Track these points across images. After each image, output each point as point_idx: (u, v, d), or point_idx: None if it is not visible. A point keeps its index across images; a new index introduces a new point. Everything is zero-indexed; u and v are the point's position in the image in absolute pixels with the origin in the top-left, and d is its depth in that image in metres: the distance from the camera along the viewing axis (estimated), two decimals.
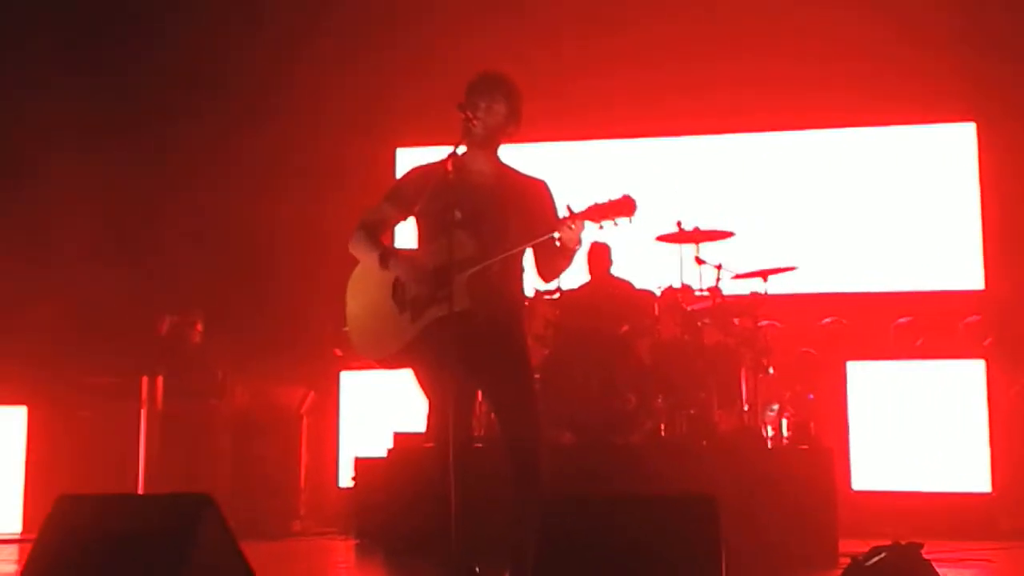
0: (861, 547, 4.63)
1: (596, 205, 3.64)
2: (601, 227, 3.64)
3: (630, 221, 3.62)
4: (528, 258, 4.01)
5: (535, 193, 3.95)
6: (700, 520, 2.79)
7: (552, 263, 3.96)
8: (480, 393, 4.28)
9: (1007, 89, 8.57)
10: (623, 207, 3.61)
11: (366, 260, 3.96)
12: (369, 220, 4.02)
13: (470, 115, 3.75)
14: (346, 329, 4.08)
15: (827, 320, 8.00)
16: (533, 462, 3.86)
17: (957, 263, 8.86)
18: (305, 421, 7.44)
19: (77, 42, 9.11)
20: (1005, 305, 8.12)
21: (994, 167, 8.85)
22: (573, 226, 3.65)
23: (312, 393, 7.60)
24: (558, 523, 2.96)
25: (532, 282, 4.14)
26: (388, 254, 3.88)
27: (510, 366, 3.93)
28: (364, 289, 3.99)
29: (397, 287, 3.88)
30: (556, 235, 3.73)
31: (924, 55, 8.57)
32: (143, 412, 6.98)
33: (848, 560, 3.99)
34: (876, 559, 3.18)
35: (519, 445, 3.88)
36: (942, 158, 9.03)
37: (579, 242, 3.78)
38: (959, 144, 9.03)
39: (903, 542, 3.20)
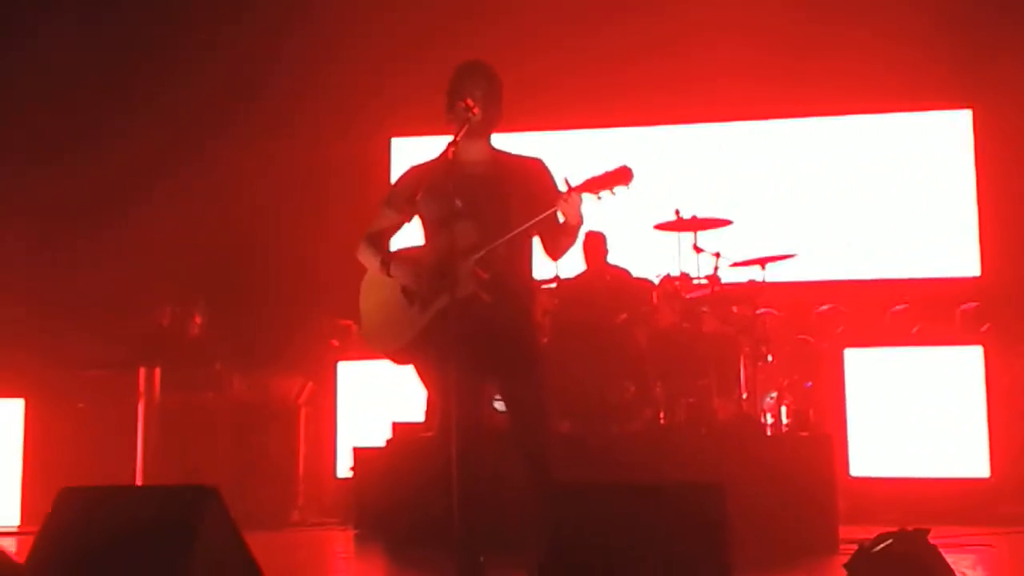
0: (860, 533, 4.64)
1: (593, 177, 3.64)
2: (599, 198, 3.63)
3: (627, 189, 3.61)
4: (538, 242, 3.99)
5: (532, 172, 3.91)
6: (707, 508, 2.79)
7: (556, 241, 3.92)
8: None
9: (1003, 75, 8.57)
10: (620, 176, 3.60)
11: (371, 269, 4.00)
12: (373, 229, 4.04)
13: (470, 103, 3.73)
14: (358, 327, 4.09)
15: (824, 307, 8.00)
16: (543, 456, 3.83)
17: (953, 250, 8.89)
18: (303, 411, 7.42)
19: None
20: (1002, 291, 8.14)
21: (990, 153, 8.87)
22: (570, 200, 3.64)
23: (310, 383, 7.59)
24: (568, 510, 2.96)
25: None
26: (388, 260, 3.90)
27: (518, 357, 3.89)
28: (377, 287, 3.99)
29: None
30: (557, 212, 3.72)
31: (920, 42, 8.57)
32: (141, 404, 6.96)
33: (850, 546, 4.00)
34: (883, 545, 3.17)
35: (528, 439, 3.86)
36: (938, 145, 9.05)
37: (579, 216, 3.75)
38: (955, 131, 9.05)
39: (909, 528, 3.19)
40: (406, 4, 9.36)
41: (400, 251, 3.97)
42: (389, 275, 3.88)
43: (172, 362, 7.26)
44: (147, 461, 6.89)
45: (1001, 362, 6.83)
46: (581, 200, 3.68)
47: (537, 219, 3.71)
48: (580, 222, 3.80)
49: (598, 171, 3.63)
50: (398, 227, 4.06)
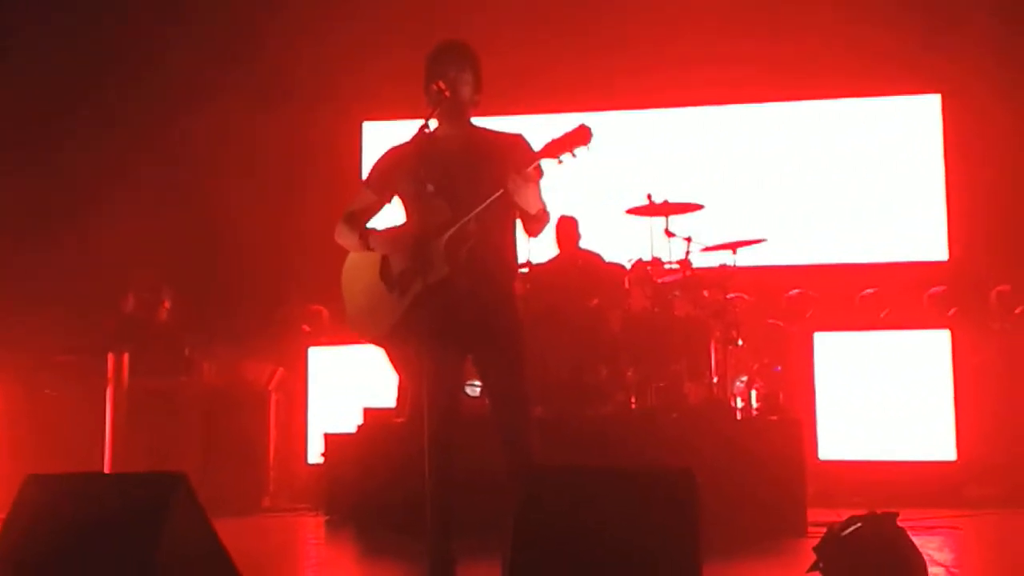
0: (829, 516, 4.68)
1: (552, 141, 3.59)
2: (560, 161, 3.58)
3: (588, 150, 3.55)
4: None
5: (510, 146, 3.82)
6: (678, 491, 2.80)
7: (524, 217, 3.84)
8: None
9: (971, 60, 8.62)
10: (578, 137, 3.55)
11: (350, 246, 3.94)
12: (351, 209, 3.98)
13: (442, 86, 3.71)
14: (343, 314, 4.04)
15: (794, 292, 8.05)
16: (523, 440, 3.79)
17: (922, 234, 8.95)
18: (273, 397, 7.39)
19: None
20: (969, 275, 8.22)
21: (958, 138, 8.93)
22: (518, 181, 3.57)
23: (280, 369, 7.55)
24: (539, 492, 2.95)
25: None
26: (366, 234, 3.86)
27: (497, 339, 3.84)
28: (358, 274, 3.96)
29: (385, 267, 3.85)
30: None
31: (889, 27, 8.61)
32: (109, 390, 6.89)
33: (819, 529, 4.02)
34: (852, 528, 3.19)
35: (507, 424, 3.82)
36: (907, 130, 9.10)
37: (538, 200, 3.72)
38: (924, 116, 9.10)
39: (878, 511, 3.22)
40: None
41: (378, 230, 3.93)
42: (368, 249, 3.84)
43: (141, 347, 7.19)
44: (116, 447, 6.83)
45: (968, 346, 6.90)
46: (537, 184, 3.65)
47: (491, 199, 3.62)
48: (540, 206, 3.75)
49: (556, 134, 3.58)
50: (377, 208, 4.00)
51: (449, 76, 3.77)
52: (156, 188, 8.92)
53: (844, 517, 3.44)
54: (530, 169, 3.62)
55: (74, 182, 8.83)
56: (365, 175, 4.06)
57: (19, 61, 9.00)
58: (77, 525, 3.05)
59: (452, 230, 3.66)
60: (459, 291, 3.70)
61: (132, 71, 9.23)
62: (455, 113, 3.83)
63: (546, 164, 3.62)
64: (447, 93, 3.72)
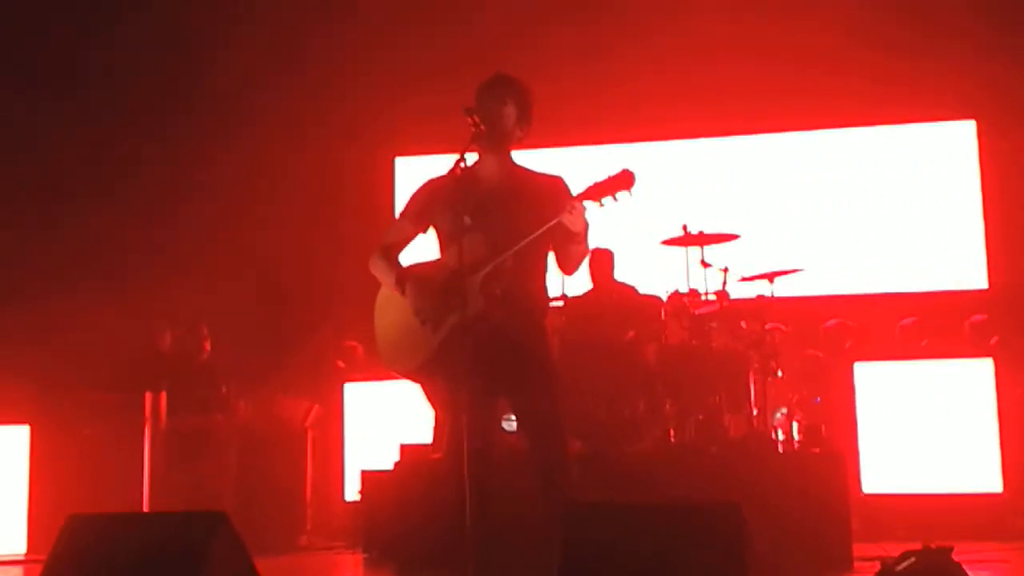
0: (875, 550, 4.60)
1: (595, 184, 3.58)
2: (602, 204, 3.57)
3: (630, 194, 3.55)
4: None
5: (549, 188, 3.82)
6: (725, 528, 2.75)
7: (567, 251, 3.85)
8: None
9: (1007, 86, 8.56)
10: (622, 181, 3.55)
11: (385, 284, 3.93)
12: (387, 240, 3.98)
13: (476, 120, 3.70)
14: (374, 348, 4.02)
15: (832, 322, 7.96)
16: (559, 474, 3.76)
17: (961, 262, 8.85)
18: (310, 434, 7.38)
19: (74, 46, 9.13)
20: (1010, 303, 8.10)
21: (995, 164, 8.85)
22: (574, 212, 3.58)
23: (317, 406, 7.55)
24: (583, 529, 2.91)
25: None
26: (402, 278, 3.84)
27: (531, 373, 3.83)
28: (391, 306, 3.93)
29: None
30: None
31: (924, 54, 8.56)
32: (147, 428, 6.91)
33: (865, 564, 3.95)
34: (907, 563, 3.13)
35: (543, 459, 3.78)
36: (943, 156, 9.03)
37: (585, 224, 3.70)
38: (960, 142, 9.02)
39: (932, 545, 3.15)
40: (413, 20, 9.34)
41: (413, 267, 3.92)
42: (403, 294, 3.84)
43: (178, 386, 7.21)
44: (153, 486, 6.84)
45: (1011, 374, 6.78)
46: (583, 208, 3.63)
47: (540, 231, 3.62)
48: (585, 226, 3.74)
49: (599, 177, 3.58)
50: (411, 239, 3.99)
51: (487, 108, 3.77)
52: (193, 226, 8.98)
53: (889, 551, 3.37)
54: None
55: (111, 221, 8.90)
56: (402, 206, 4.07)
57: (57, 95, 9.12)
58: (119, 565, 3.04)
59: (489, 268, 3.65)
60: (493, 326, 3.68)
61: (167, 109, 9.32)
62: (491, 146, 3.83)
63: (587, 206, 3.62)
64: (482, 127, 3.71)
